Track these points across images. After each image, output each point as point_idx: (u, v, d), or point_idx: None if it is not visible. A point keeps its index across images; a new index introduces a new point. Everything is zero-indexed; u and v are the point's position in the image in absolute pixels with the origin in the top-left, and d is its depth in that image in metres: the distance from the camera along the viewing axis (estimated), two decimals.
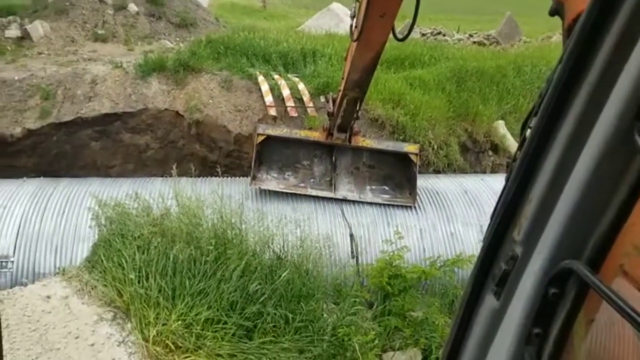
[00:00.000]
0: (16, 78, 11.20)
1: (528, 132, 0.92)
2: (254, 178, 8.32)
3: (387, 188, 8.54)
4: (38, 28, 13.47)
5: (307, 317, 5.60)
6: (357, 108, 7.55)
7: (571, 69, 0.80)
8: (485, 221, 8.19)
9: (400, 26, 9.09)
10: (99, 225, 6.84)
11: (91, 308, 5.65)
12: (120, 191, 8.13)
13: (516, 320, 0.90)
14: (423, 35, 20.96)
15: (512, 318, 0.91)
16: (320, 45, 11.97)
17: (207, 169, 10.10)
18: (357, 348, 5.15)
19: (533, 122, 0.91)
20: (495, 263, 0.96)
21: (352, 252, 7.53)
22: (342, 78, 7.29)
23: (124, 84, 11.30)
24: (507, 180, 0.96)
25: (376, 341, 5.52)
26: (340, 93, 7.30)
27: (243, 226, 6.60)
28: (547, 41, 19.26)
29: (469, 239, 7.96)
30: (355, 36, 5.62)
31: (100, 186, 8.70)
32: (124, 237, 6.38)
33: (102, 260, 6.13)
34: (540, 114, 0.86)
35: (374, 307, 6.07)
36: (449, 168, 10.32)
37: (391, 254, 6.84)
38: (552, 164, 0.84)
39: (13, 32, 13.27)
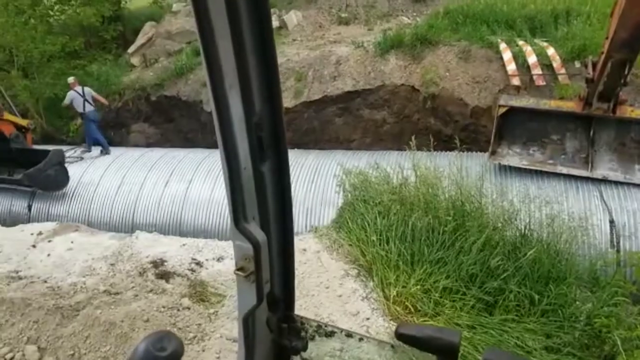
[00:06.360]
0: None
1: None
2: (493, 153, 7.87)
3: None
4: (292, 17, 15.19)
5: (556, 300, 5.08)
6: (626, 72, 6.48)
7: None
8: None
9: None
10: (344, 190, 7.41)
11: (338, 264, 6.19)
12: (361, 162, 8.67)
13: None
14: None
15: None
16: (576, 4, 10.55)
17: (441, 143, 9.98)
18: (618, 343, 4.44)
19: None
20: None
21: (612, 241, 6.52)
22: (606, 38, 6.33)
23: (364, 63, 11.93)
24: None
25: None
26: (604, 55, 6.34)
27: (483, 200, 6.32)
28: None
29: None
30: None
31: (343, 157, 9.42)
32: (366, 202, 6.78)
33: (347, 222, 6.64)
34: None
35: None
36: None
37: None
38: None
39: (273, 23, 15.14)
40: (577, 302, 5.13)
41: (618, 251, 6.33)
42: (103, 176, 10.40)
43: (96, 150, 11.59)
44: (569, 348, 4.73)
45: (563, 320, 4.97)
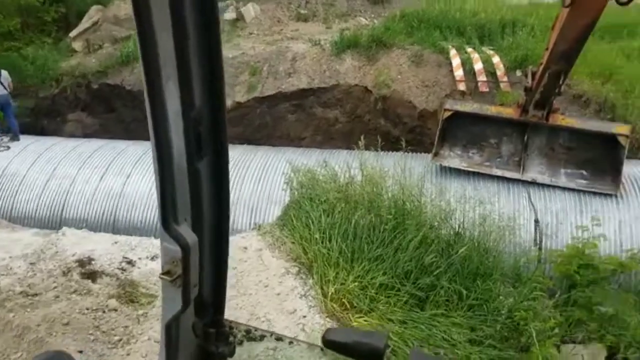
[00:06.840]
0: (230, 56, 12.53)
1: None
2: (435, 154, 8.23)
3: (584, 173, 7.64)
4: (250, 10, 15.07)
5: (482, 295, 5.44)
6: (560, 82, 6.90)
7: None
8: None
9: None
10: (291, 188, 7.54)
11: (279, 261, 6.26)
12: (310, 160, 8.76)
13: None
14: None
15: None
16: (522, 15, 11.08)
17: (388, 144, 10.24)
18: (533, 334, 4.84)
19: None
20: None
21: (535, 239, 7.00)
22: (546, 49, 6.73)
23: (320, 61, 12.04)
24: None
25: (556, 330, 5.12)
26: (542, 66, 6.75)
27: (422, 199, 6.63)
28: None
29: None
30: (567, 1, 5.12)
31: (293, 155, 9.47)
32: (312, 200, 6.93)
33: (292, 220, 6.79)
34: None
35: (556, 295, 5.63)
36: None
37: (584, 241, 6.19)
38: None
39: (229, 14, 14.83)
40: (501, 297, 5.51)
41: (540, 249, 6.81)
42: (31, 167, 9.77)
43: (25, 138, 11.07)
44: (490, 340, 5.08)
45: (487, 314, 5.33)
